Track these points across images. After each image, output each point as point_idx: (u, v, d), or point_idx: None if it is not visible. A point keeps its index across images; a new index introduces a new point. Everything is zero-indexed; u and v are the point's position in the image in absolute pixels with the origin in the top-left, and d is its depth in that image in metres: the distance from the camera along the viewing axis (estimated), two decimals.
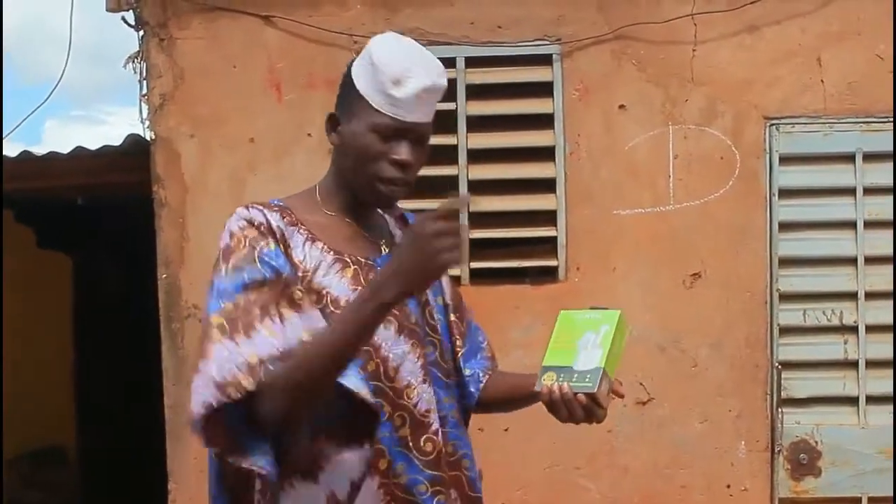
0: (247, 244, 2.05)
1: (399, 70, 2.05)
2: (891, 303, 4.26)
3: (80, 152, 4.94)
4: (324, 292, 2.07)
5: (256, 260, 2.03)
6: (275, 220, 2.09)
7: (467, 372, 2.37)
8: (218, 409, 1.94)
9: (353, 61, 2.18)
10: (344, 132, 2.14)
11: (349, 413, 2.04)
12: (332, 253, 2.12)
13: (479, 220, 4.32)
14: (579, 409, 2.01)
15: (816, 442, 4.32)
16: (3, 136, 5.04)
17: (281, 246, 2.06)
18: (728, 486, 4.35)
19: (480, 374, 2.39)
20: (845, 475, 4.32)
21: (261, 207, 2.12)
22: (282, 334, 1.97)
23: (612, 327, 2.08)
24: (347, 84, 2.15)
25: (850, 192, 4.29)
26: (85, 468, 7.63)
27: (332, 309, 2.05)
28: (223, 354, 1.95)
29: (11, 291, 6.82)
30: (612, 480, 4.35)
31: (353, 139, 2.12)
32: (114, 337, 7.29)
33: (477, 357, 2.41)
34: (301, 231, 2.12)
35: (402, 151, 2.09)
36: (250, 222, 2.07)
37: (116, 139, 4.94)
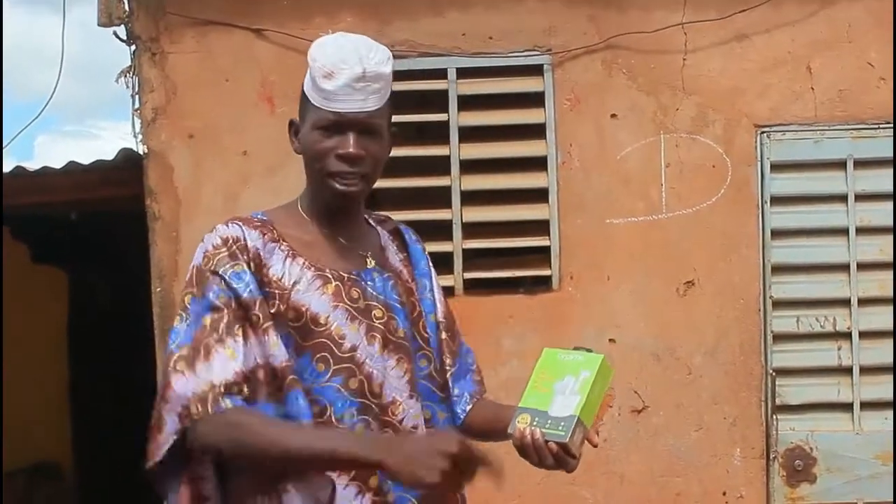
0: (215, 265, 2.05)
1: (329, 63, 2.05)
2: (883, 308, 4.28)
3: (72, 167, 4.94)
4: (303, 309, 2.06)
5: (222, 283, 2.03)
6: (252, 238, 2.09)
7: (455, 391, 2.31)
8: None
9: None
10: (301, 137, 2.15)
11: None
12: (312, 269, 2.10)
13: (472, 230, 4.33)
14: (549, 458, 1.96)
15: (811, 448, 4.33)
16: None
17: (253, 265, 2.05)
18: (724, 494, 4.35)
19: (468, 397, 2.33)
20: (841, 481, 4.32)
21: (240, 223, 2.12)
22: (241, 355, 1.98)
23: (593, 373, 2.00)
24: (301, 89, 2.16)
25: (842, 198, 4.30)
26: (81, 483, 7.61)
27: (311, 326, 2.05)
28: (181, 384, 1.98)
29: (7, 306, 6.82)
30: (608, 489, 4.35)
31: (303, 141, 2.14)
32: (109, 351, 7.27)
33: (466, 378, 2.36)
34: (282, 247, 2.11)
35: (346, 144, 2.07)
36: (225, 241, 2.07)
37: (108, 154, 4.94)
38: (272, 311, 2.04)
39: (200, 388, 1.96)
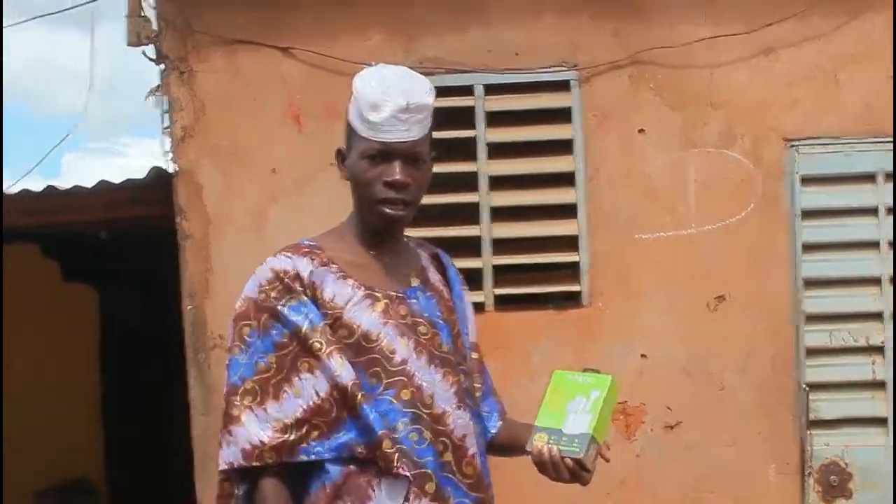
0: (273, 301, 2.17)
1: (374, 96, 2.16)
2: None
3: (103, 186, 4.98)
4: (355, 326, 2.17)
5: (282, 319, 2.16)
6: (302, 266, 2.19)
7: (485, 409, 2.44)
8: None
9: None
10: (348, 165, 2.25)
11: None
12: (362, 289, 2.21)
13: (501, 246, 4.33)
14: (566, 472, 2.10)
15: (846, 464, 4.29)
16: (23, 174, 5.08)
17: (308, 292, 2.18)
18: None
19: (497, 415, 2.46)
20: (876, 496, 4.28)
21: (290, 254, 2.22)
22: (309, 390, 2.14)
23: (603, 393, 2.13)
24: (346, 119, 2.25)
25: (873, 212, 4.27)
26: (113, 499, 7.64)
27: (363, 343, 2.16)
28: (252, 421, 2.14)
29: (37, 324, 6.87)
30: None
31: (351, 169, 2.23)
32: (140, 368, 7.31)
33: (492, 398, 2.48)
34: (332, 269, 2.21)
35: (392, 172, 2.18)
36: (277, 275, 2.19)
37: (135, 171, 5.02)
38: (330, 333, 2.17)
39: (273, 432, 2.12)
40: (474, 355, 2.44)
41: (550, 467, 2.10)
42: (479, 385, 2.42)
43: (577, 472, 2.10)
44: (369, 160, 2.18)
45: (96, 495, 7.61)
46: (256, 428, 2.12)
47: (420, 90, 2.20)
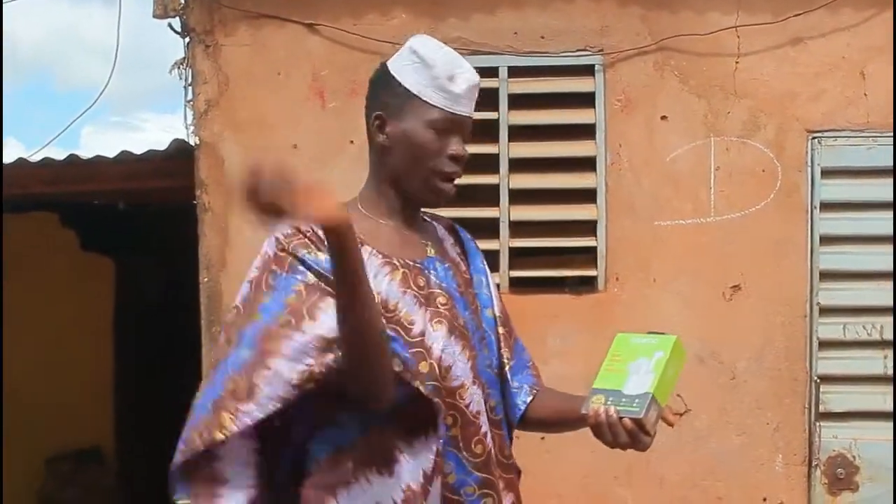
0: (293, 249, 2.07)
1: (451, 66, 2.13)
2: None
3: (125, 156, 5.00)
4: (374, 293, 2.06)
5: (304, 264, 2.05)
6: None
7: (514, 384, 2.34)
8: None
9: (384, 64, 2.22)
10: (394, 132, 2.16)
11: (410, 405, 2.06)
12: (380, 256, 2.14)
13: (519, 228, 4.34)
14: (623, 434, 1.96)
15: (854, 457, 4.30)
16: (44, 143, 5.10)
17: (327, 253, 2.06)
18: (765, 500, 4.33)
19: (528, 389, 2.36)
20: (883, 490, 4.29)
21: None
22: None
23: (667, 353, 2.02)
24: (389, 84, 2.17)
25: (892, 206, 4.26)
26: (122, 468, 7.70)
27: (383, 312, 2.06)
28: (293, 345, 1.99)
29: (55, 292, 6.91)
30: (649, 491, 4.34)
31: (407, 137, 2.15)
32: (153, 339, 7.35)
33: (524, 372, 2.38)
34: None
35: (458, 146, 2.16)
36: (296, 231, 2.09)
37: (153, 145, 5.01)
38: None
39: (314, 346, 1.98)
40: (501, 329, 2.36)
41: (607, 429, 1.97)
42: (509, 359, 2.35)
43: (636, 435, 1.95)
44: (437, 131, 2.13)
45: (106, 464, 7.67)
46: (302, 343, 1.99)
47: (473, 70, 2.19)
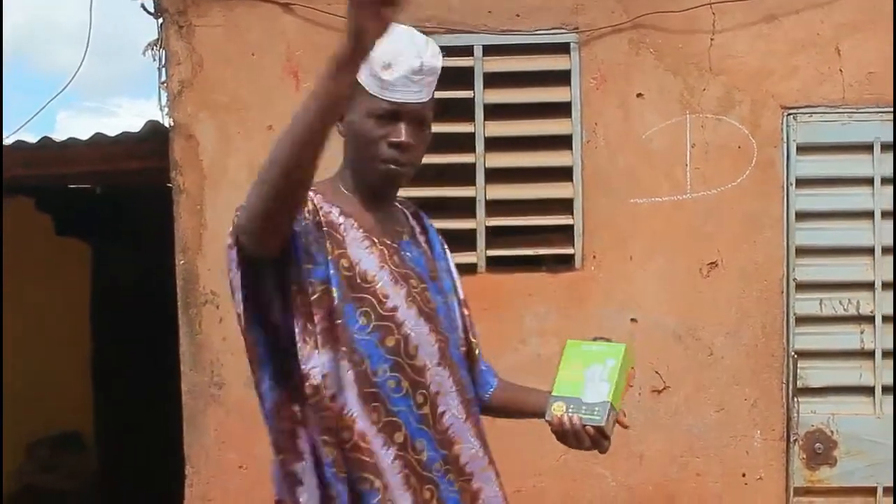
0: None
1: (388, 55, 2.11)
2: None
3: (99, 139, 4.96)
4: (354, 262, 2.15)
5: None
6: (311, 193, 2.13)
7: (483, 366, 2.47)
8: None
9: None
10: (347, 122, 2.20)
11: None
12: (362, 230, 2.19)
13: (496, 207, 4.33)
14: (587, 440, 2.14)
15: (832, 431, 4.32)
16: (17, 127, 5.07)
17: (317, 217, 2.13)
18: (743, 475, 4.35)
19: (493, 373, 2.50)
20: (861, 465, 4.32)
21: None
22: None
23: (619, 361, 2.18)
24: None
25: (868, 181, 4.28)
26: (102, 453, 7.68)
27: (359, 280, 2.13)
28: None
29: (31, 278, 6.87)
30: (628, 468, 4.36)
31: (354, 127, 2.20)
32: (131, 323, 7.32)
33: (485, 359, 2.50)
34: (335, 206, 2.19)
35: (399, 133, 2.17)
36: None
37: (128, 128, 4.96)
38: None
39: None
40: (465, 311, 2.43)
41: (572, 436, 2.14)
42: (476, 341, 2.44)
43: (597, 440, 2.14)
44: (376, 119, 2.17)
45: (86, 449, 7.65)
46: None
47: (431, 52, 2.20)
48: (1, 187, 5.21)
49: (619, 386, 2.16)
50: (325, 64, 1.86)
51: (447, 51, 4.18)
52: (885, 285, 4.28)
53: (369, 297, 2.14)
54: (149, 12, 4.41)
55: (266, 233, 2.00)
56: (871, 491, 4.33)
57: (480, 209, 4.33)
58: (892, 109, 4.22)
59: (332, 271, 2.10)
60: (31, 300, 6.88)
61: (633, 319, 4.32)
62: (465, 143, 4.30)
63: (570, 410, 2.14)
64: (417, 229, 2.42)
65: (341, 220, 2.17)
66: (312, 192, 2.14)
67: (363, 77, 2.14)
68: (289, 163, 1.89)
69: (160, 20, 4.40)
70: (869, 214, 4.28)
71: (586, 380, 2.17)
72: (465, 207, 4.29)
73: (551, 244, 4.36)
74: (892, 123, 4.22)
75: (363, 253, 2.16)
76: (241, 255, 2.08)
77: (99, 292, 7.77)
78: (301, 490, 2.14)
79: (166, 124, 4.44)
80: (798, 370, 4.30)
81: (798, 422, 4.31)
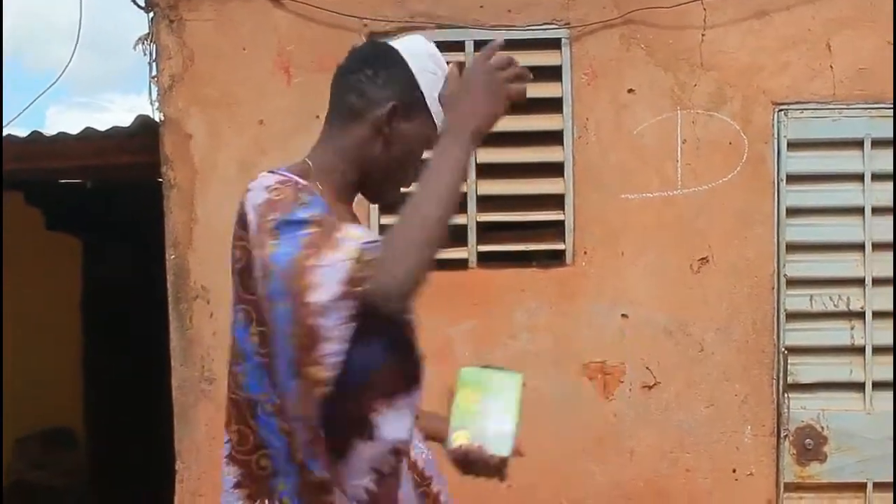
0: (284, 196, 1.98)
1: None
2: None
3: (89, 133, 4.95)
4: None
5: (305, 202, 1.97)
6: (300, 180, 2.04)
7: None
8: None
9: (399, 52, 2.15)
10: (398, 129, 2.10)
11: (396, 361, 2.11)
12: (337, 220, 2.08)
13: (487, 203, 4.33)
14: (492, 469, 2.07)
15: (822, 427, 4.33)
16: (7, 121, 5.05)
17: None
18: (734, 471, 4.36)
19: None
20: (851, 461, 4.32)
21: (285, 171, 2.07)
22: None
23: (517, 391, 2.14)
24: (409, 80, 2.12)
25: (859, 178, 4.28)
26: (93, 449, 7.67)
27: None
28: (323, 270, 1.88)
29: (21, 273, 6.85)
30: (618, 464, 4.36)
31: (405, 140, 2.11)
32: (122, 318, 7.31)
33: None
34: (323, 196, 2.04)
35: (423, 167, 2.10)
36: (281, 181, 2.02)
37: (119, 123, 4.94)
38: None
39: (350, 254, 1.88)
40: None
41: (480, 465, 2.06)
42: None
43: (501, 470, 2.08)
44: (426, 149, 2.09)
45: (76, 445, 7.64)
46: (332, 262, 1.87)
47: None
48: (1, 184, 5.19)
49: (519, 416, 2.12)
50: (466, 124, 1.91)
51: (438, 46, 4.18)
52: (875, 281, 4.28)
53: None
54: (140, 7, 4.40)
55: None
56: (861, 486, 4.34)
57: (472, 205, 4.32)
58: (882, 105, 4.24)
59: None
60: (21, 295, 6.86)
61: (623, 315, 4.32)
62: None
63: (475, 440, 2.07)
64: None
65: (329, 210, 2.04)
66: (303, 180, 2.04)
67: (431, 99, 2.10)
68: (447, 220, 1.89)
69: (151, 15, 4.39)
70: (859, 211, 4.28)
71: (487, 410, 2.11)
72: None
73: (542, 240, 4.35)
74: (882, 119, 4.24)
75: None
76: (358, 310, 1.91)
77: (90, 287, 7.75)
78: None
79: (157, 119, 4.42)
80: (788, 366, 4.31)
81: (788, 417, 4.32)
